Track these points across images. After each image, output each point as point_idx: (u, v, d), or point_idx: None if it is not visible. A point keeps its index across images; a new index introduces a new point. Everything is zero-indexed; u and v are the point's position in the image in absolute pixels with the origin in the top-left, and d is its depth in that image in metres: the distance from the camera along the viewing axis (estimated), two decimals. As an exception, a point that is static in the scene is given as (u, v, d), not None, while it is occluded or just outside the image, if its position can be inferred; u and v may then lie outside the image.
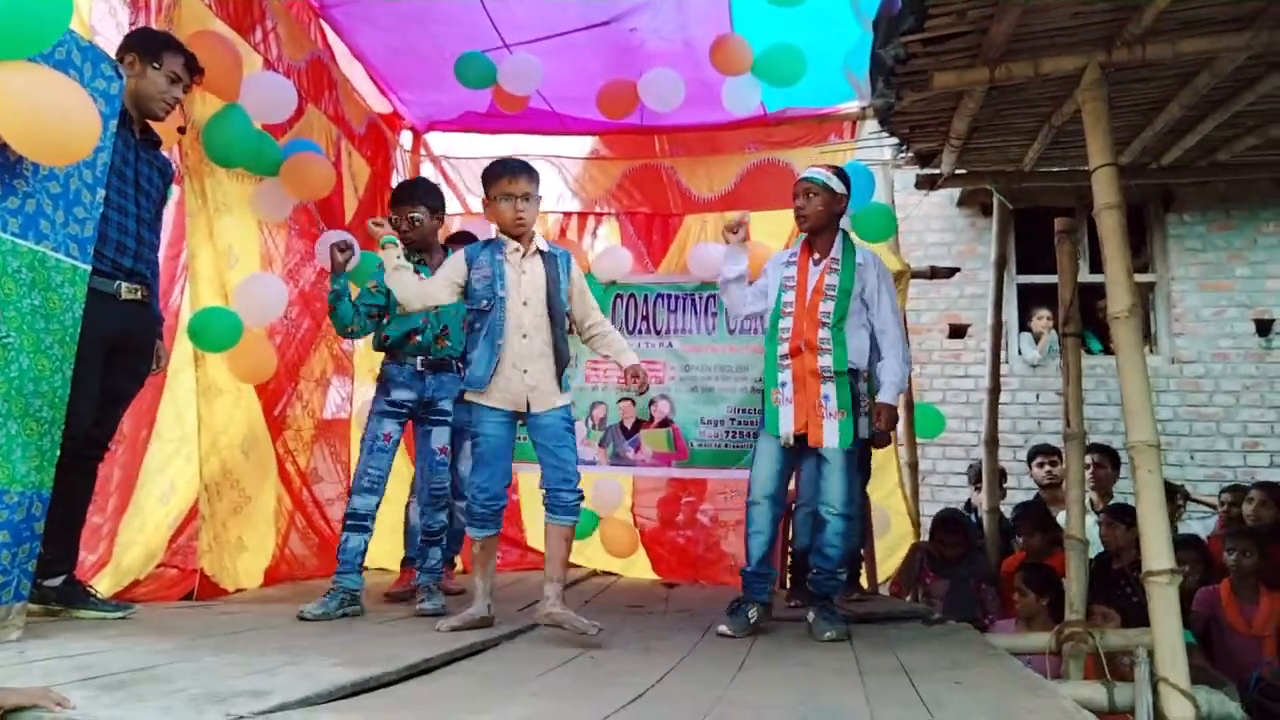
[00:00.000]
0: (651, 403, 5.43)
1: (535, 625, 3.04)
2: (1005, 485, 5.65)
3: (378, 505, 3.50)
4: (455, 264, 3.10)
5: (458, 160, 6.20)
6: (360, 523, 3.45)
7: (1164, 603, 2.73)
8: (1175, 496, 5.21)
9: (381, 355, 3.71)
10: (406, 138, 5.97)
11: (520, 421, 3.05)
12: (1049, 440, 5.96)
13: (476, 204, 5.98)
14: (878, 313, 3.42)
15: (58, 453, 2.51)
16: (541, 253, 3.07)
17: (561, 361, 3.04)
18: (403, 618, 3.33)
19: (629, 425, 5.43)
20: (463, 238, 4.36)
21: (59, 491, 2.56)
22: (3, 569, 2.33)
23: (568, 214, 6.01)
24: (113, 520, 3.61)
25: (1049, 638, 3.41)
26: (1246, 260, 6.75)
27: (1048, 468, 5.36)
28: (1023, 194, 5.61)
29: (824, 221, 3.42)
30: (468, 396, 3.06)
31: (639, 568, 5.51)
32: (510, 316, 2.98)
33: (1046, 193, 5.90)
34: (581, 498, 3.01)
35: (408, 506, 4.35)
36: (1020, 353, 7.04)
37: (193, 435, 3.75)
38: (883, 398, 3.37)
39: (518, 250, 3.04)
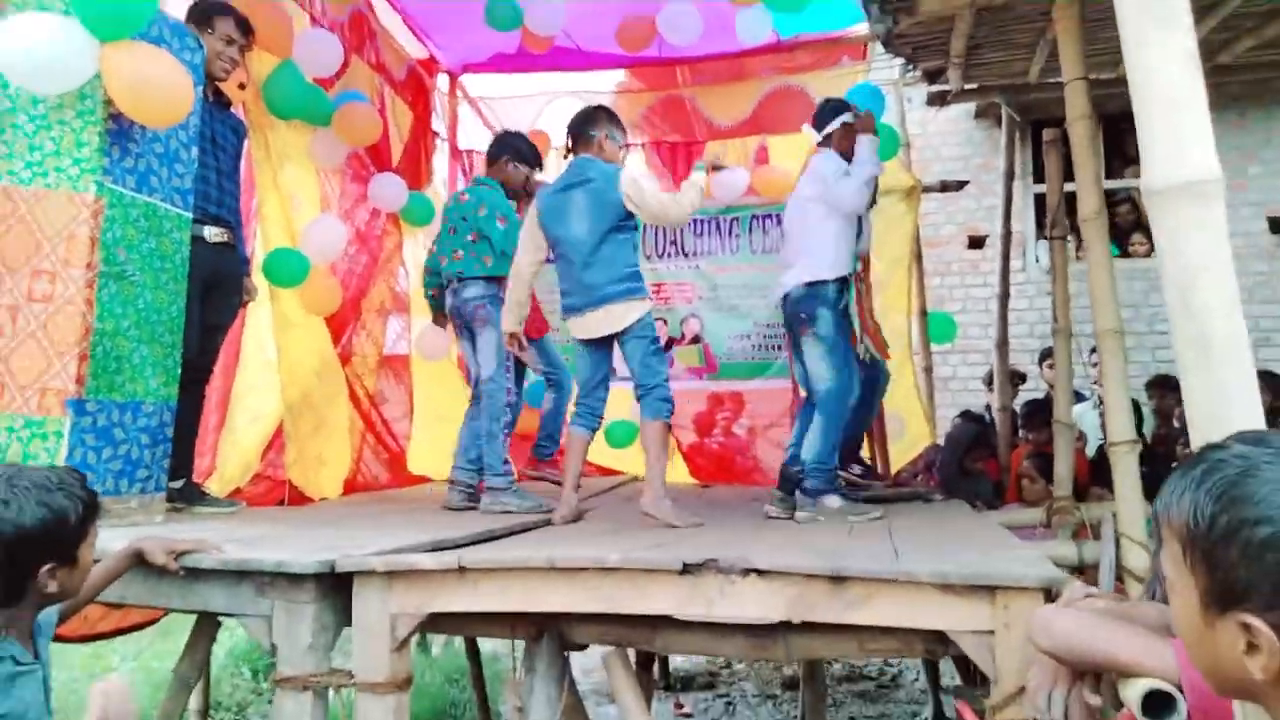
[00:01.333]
0: (683, 321, 5.84)
1: (586, 510, 3.53)
2: (1023, 387, 5.99)
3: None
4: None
5: (492, 100, 6.56)
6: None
7: (1124, 469, 3.11)
8: None
9: None
10: (443, 81, 6.33)
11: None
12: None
13: (513, 141, 6.35)
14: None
15: (179, 370, 3.02)
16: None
17: (628, 266, 3.40)
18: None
19: (663, 342, 5.85)
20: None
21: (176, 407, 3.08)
22: (145, 465, 2.87)
23: (597, 144, 6.34)
24: (214, 435, 4.15)
25: (1039, 512, 3.82)
26: (1259, 159, 6.89)
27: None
28: (1036, 105, 5.82)
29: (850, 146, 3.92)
30: (565, 319, 3.53)
31: (677, 472, 5.98)
32: (569, 236, 3.41)
33: (1057, 103, 6.08)
34: (667, 399, 3.41)
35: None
36: (1037, 260, 7.30)
37: (273, 362, 4.26)
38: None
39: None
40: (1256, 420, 1.06)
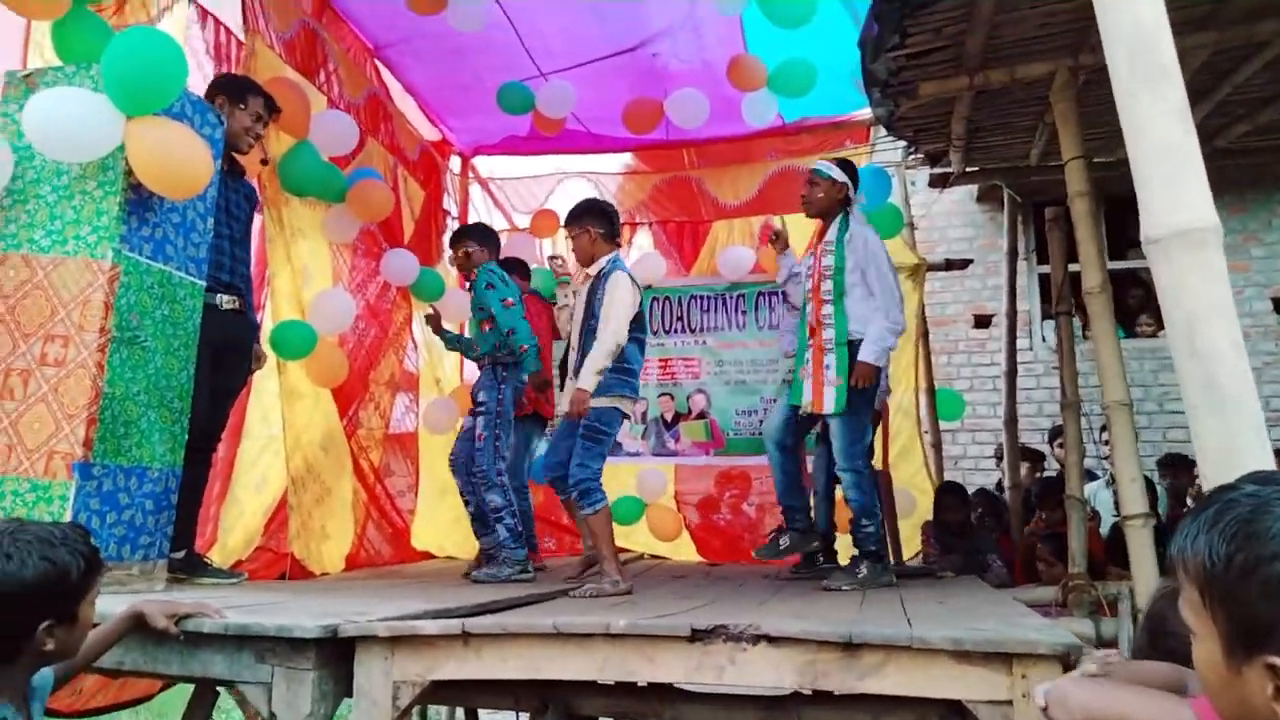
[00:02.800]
0: (689, 397, 5.85)
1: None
2: (1043, 466, 5.95)
3: (465, 483, 4.17)
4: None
5: (503, 180, 6.72)
6: (462, 497, 4.28)
7: (1139, 543, 3.07)
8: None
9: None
10: (455, 162, 6.49)
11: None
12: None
13: (522, 220, 6.50)
14: (868, 277, 3.67)
15: (186, 437, 3.02)
16: (592, 275, 3.55)
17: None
18: (490, 586, 3.81)
19: (669, 418, 5.86)
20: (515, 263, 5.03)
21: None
22: (148, 531, 2.85)
23: (613, 224, 6.47)
24: (216, 506, 4.13)
25: (1055, 590, 3.74)
26: (1262, 241, 6.96)
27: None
28: (1037, 187, 5.93)
29: (825, 207, 3.82)
30: None
31: (684, 551, 5.91)
32: (571, 337, 3.62)
33: (1058, 185, 6.20)
34: (582, 494, 3.35)
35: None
36: (1044, 339, 7.33)
37: (279, 433, 4.26)
38: (862, 356, 3.60)
39: (586, 276, 3.63)
40: (1266, 458, 1.06)
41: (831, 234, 3.77)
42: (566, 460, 3.46)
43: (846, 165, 3.92)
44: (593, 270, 3.53)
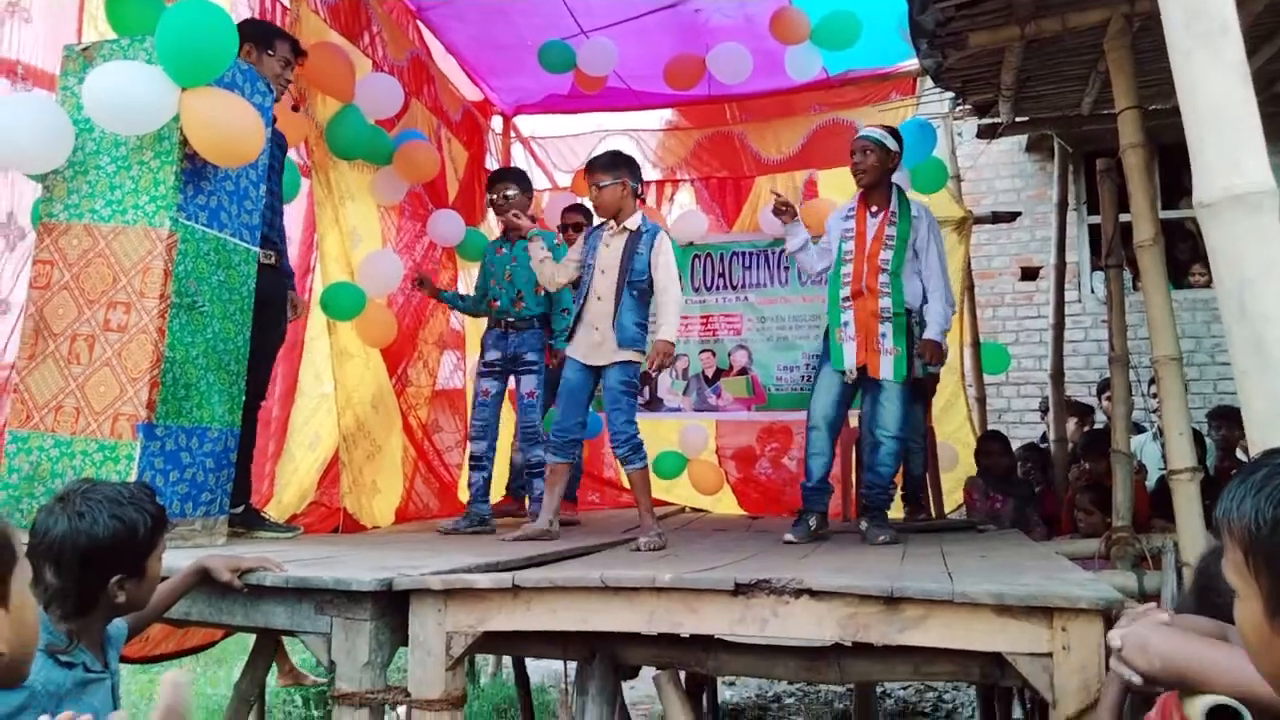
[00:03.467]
0: (730, 353, 5.87)
1: (630, 539, 3.55)
2: (1092, 420, 5.89)
3: (489, 447, 4.20)
4: (578, 245, 3.67)
5: (544, 140, 6.72)
6: (477, 463, 4.20)
7: (1185, 497, 3.04)
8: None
9: None
10: (497, 122, 6.51)
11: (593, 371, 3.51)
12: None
13: (564, 179, 6.52)
14: (926, 261, 3.81)
15: (243, 398, 3.12)
16: (629, 230, 3.50)
17: (624, 323, 3.42)
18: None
19: (710, 374, 5.88)
20: (578, 209, 5.04)
21: (237, 433, 3.17)
22: (209, 488, 2.96)
23: (646, 183, 6.43)
24: (272, 463, 4.27)
25: (1098, 543, 3.74)
26: (1323, 188, 6.74)
27: (1116, 400, 5.59)
28: (1088, 136, 5.79)
29: (878, 177, 3.79)
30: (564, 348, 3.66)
31: (725, 505, 5.98)
32: (592, 283, 3.50)
33: (1110, 134, 6.04)
34: (633, 449, 3.39)
35: (512, 448, 4.92)
36: (1092, 290, 7.20)
37: (331, 392, 4.37)
38: (928, 335, 3.77)
39: (610, 229, 3.54)
40: (1314, 421, 1.06)
41: (893, 204, 3.79)
42: (583, 419, 3.56)
43: (896, 134, 3.91)
44: (630, 224, 3.49)
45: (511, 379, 4.36)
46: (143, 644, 3.65)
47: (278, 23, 4.11)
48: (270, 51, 3.46)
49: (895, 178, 3.96)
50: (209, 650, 4.60)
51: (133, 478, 2.69)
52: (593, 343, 3.46)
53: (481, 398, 4.23)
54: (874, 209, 3.82)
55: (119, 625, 1.90)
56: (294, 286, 3.86)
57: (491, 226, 6.08)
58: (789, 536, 3.50)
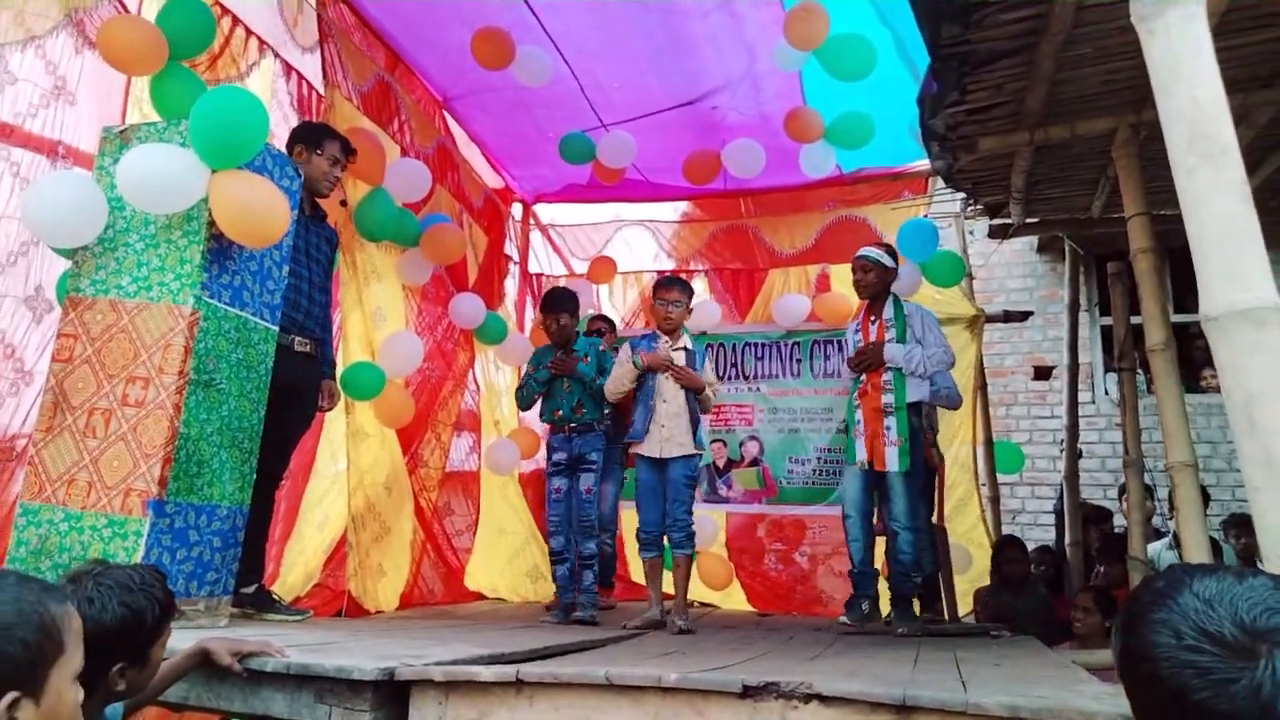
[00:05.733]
0: (741, 444, 5.85)
1: (637, 634, 3.50)
2: (1111, 524, 5.80)
3: (567, 540, 4.37)
4: (624, 353, 4.18)
5: (563, 228, 6.86)
6: (558, 556, 4.38)
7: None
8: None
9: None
10: (517, 209, 6.66)
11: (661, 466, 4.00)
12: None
13: (580, 266, 6.63)
14: (925, 341, 4.08)
15: (254, 477, 3.12)
16: (686, 349, 4.12)
17: (694, 420, 4.03)
18: (548, 626, 3.92)
19: (721, 465, 5.85)
20: (601, 318, 5.57)
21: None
22: (215, 568, 2.94)
23: (661, 272, 6.54)
24: (279, 545, 4.23)
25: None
26: (1336, 295, 6.76)
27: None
28: (1099, 239, 5.85)
29: (879, 290, 4.20)
30: (632, 448, 4.12)
31: (734, 600, 5.87)
32: (657, 388, 4.02)
33: (1121, 236, 6.12)
34: (689, 537, 3.95)
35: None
36: (1107, 393, 7.18)
37: (344, 472, 4.37)
38: (888, 350, 4.04)
39: (666, 342, 4.11)
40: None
41: (889, 312, 4.15)
42: (663, 511, 4.00)
43: (893, 251, 4.30)
44: (685, 344, 4.13)
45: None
46: (136, 727, 3.57)
47: (315, 109, 4.28)
48: (320, 151, 3.64)
49: (907, 275, 4.20)
50: (202, 736, 4.48)
51: (140, 555, 2.68)
52: (662, 439, 3.99)
53: (555, 495, 4.45)
54: (874, 318, 4.21)
55: (114, 709, 1.87)
56: (333, 376, 3.90)
57: (509, 311, 6.18)
58: (843, 619, 3.89)
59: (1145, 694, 0.91)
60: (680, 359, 4.08)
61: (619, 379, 4.15)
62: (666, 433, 3.98)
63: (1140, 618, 0.92)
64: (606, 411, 4.52)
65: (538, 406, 4.64)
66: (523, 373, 4.88)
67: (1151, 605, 0.92)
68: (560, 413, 4.48)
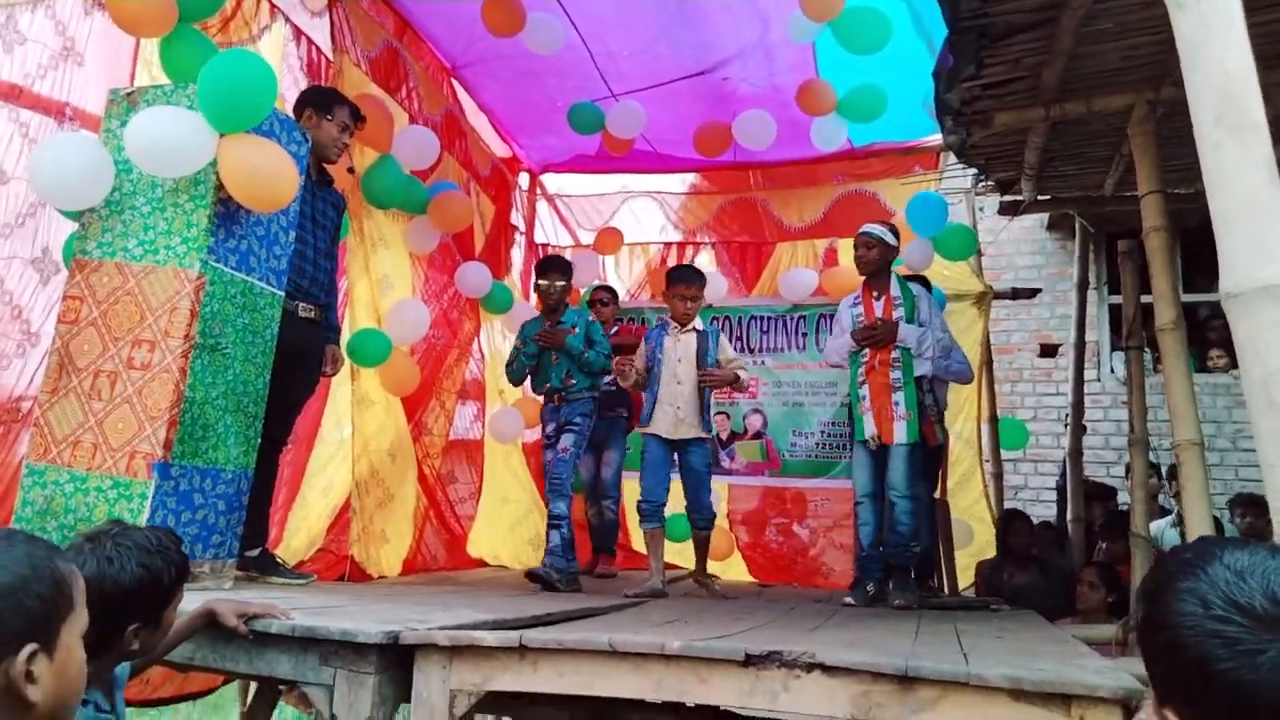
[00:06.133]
0: (745, 416, 5.85)
1: (638, 603, 3.51)
2: (1116, 503, 5.82)
3: (567, 506, 4.35)
4: (642, 350, 4.34)
5: (570, 198, 6.82)
6: (554, 521, 4.33)
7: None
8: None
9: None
10: (524, 179, 6.61)
11: (675, 448, 4.17)
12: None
13: (587, 237, 6.59)
14: (932, 329, 4.07)
15: (259, 441, 3.13)
16: (696, 330, 4.24)
17: (704, 403, 4.17)
18: (545, 596, 3.89)
19: (724, 437, 5.86)
20: (604, 289, 5.57)
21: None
22: (219, 531, 2.96)
23: (668, 244, 6.53)
24: (283, 510, 4.26)
25: (1115, 629, 3.67)
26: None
27: (1140, 480, 5.51)
28: (1110, 217, 5.81)
29: (879, 267, 4.15)
30: (639, 430, 4.27)
31: (735, 571, 5.90)
32: (669, 370, 4.16)
33: (1132, 215, 6.07)
34: (710, 520, 4.26)
35: (586, 509, 5.17)
36: (1112, 370, 7.16)
37: (349, 439, 4.37)
38: (903, 329, 4.00)
39: (677, 328, 4.24)
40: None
41: (895, 290, 4.12)
42: (668, 485, 4.18)
43: (894, 229, 4.26)
44: (698, 326, 4.26)
45: None
46: (142, 686, 3.61)
47: (324, 74, 4.24)
48: (329, 116, 3.60)
49: (919, 249, 4.29)
50: (207, 696, 4.53)
51: (144, 517, 2.69)
52: (675, 419, 4.13)
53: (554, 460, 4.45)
54: (876, 294, 4.15)
55: (123, 665, 1.89)
56: (337, 341, 3.89)
57: (515, 280, 6.16)
58: (848, 600, 3.83)
59: (1166, 663, 0.91)
60: (690, 341, 4.18)
61: (640, 376, 4.29)
62: (682, 414, 4.12)
63: (1166, 586, 0.92)
64: (605, 381, 4.55)
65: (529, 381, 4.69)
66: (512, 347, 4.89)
67: (1179, 574, 0.92)
68: (550, 384, 4.50)
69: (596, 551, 5.20)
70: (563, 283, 4.57)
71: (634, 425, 5.12)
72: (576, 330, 4.50)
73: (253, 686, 3.41)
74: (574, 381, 4.47)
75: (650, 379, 4.22)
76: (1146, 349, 4.40)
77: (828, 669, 1.96)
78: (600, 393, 4.62)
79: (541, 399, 4.72)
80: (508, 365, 4.79)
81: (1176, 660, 0.89)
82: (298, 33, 4.16)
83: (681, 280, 4.25)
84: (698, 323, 4.29)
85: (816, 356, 5.77)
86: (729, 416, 5.87)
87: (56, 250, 3.24)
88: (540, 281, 4.58)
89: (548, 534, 4.27)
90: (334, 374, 3.92)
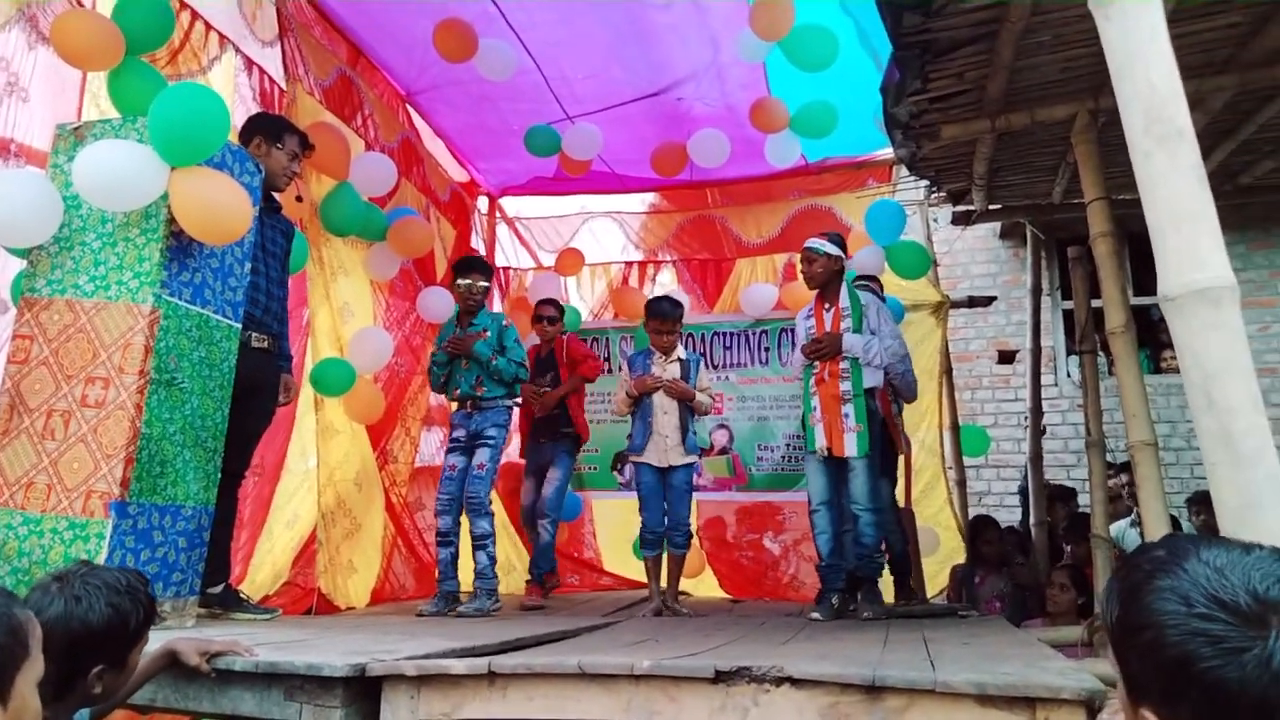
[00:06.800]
0: (711, 432, 5.88)
1: (611, 623, 3.50)
2: (1076, 504, 5.90)
3: (454, 522, 4.27)
4: (624, 373, 4.53)
5: (529, 220, 6.83)
6: (443, 539, 4.26)
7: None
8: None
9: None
10: (483, 203, 6.62)
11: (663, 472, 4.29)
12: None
13: (548, 259, 6.60)
14: (880, 334, 4.09)
15: (219, 476, 3.09)
16: (680, 359, 4.37)
17: (686, 429, 4.32)
18: (514, 618, 3.91)
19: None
20: (551, 303, 5.42)
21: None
22: (180, 568, 2.91)
23: (629, 263, 6.56)
24: (248, 544, 4.19)
25: (1081, 630, 3.72)
26: (1289, 277, 6.93)
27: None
28: (1060, 224, 5.94)
29: (826, 279, 4.16)
30: (631, 458, 4.40)
31: (706, 587, 5.90)
32: (655, 401, 4.30)
33: (1082, 221, 6.21)
34: (686, 537, 4.32)
35: (534, 527, 5.04)
36: (1068, 375, 7.29)
37: (314, 470, 4.32)
38: (847, 339, 4.02)
39: (661, 357, 4.38)
40: (1282, 511, 1.08)
41: (844, 301, 4.12)
42: (664, 514, 4.30)
43: (839, 240, 4.27)
44: (681, 355, 4.42)
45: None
46: (103, 731, 3.52)
47: (277, 104, 4.22)
48: (279, 145, 3.57)
49: (872, 256, 4.45)
50: (170, 739, 4.43)
51: (103, 557, 2.64)
52: (664, 448, 4.28)
53: (448, 472, 4.33)
54: (827, 305, 4.16)
55: (81, 712, 1.85)
56: (290, 370, 3.84)
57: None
58: (814, 615, 3.80)
59: (1144, 663, 0.89)
60: (675, 370, 4.34)
61: (619, 403, 4.45)
62: (670, 442, 4.29)
63: (1143, 585, 0.91)
64: (514, 391, 4.47)
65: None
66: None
67: (1155, 573, 0.91)
68: (460, 390, 4.39)
69: (532, 579, 4.92)
70: (484, 283, 4.46)
71: (584, 441, 5.21)
72: (488, 334, 4.35)
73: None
74: (484, 389, 4.33)
75: (639, 411, 4.33)
76: (1100, 352, 4.50)
77: (796, 682, 1.97)
78: (515, 402, 4.57)
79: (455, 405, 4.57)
80: (427, 372, 4.70)
81: (1157, 659, 0.88)
82: (249, 63, 4.15)
83: (655, 315, 4.38)
84: (681, 351, 4.42)
85: (779, 370, 5.82)
86: (695, 433, 5.88)
87: (4, 288, 3.19)
88: (460, 281, 4.41)
89: (475, 555, 4.20)
90: (287, 403, 3.86)
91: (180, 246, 2.91)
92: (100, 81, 3.35)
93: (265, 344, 3.55)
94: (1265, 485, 1.11)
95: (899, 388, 4.28)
